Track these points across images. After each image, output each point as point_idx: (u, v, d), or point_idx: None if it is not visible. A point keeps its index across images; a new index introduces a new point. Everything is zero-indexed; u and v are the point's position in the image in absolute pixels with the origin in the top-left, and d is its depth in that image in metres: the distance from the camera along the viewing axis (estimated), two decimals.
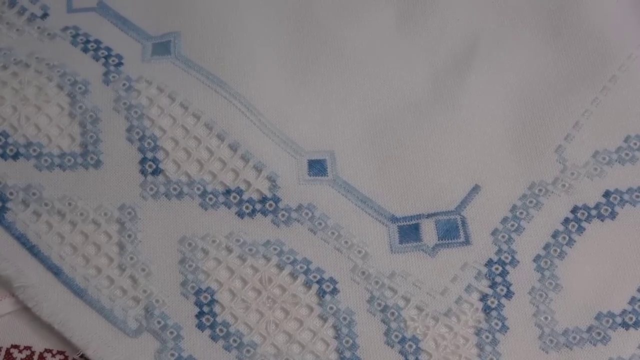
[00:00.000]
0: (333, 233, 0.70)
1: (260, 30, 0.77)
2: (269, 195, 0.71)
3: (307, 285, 0.68)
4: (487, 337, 0.67)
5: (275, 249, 0.69)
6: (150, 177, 0.71)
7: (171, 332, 0.67)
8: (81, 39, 0.76)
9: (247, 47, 0.76)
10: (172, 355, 0.66)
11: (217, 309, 0.68)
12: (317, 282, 0.68)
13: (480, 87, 0.75)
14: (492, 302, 0.68)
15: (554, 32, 0.77)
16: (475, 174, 0.72)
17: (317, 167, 0.72)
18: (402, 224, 0.71)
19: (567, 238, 0.70)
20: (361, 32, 0.78)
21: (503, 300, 0.68)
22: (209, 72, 0.74)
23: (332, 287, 0.68)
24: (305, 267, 0.68)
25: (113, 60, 0.75)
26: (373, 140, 0.74)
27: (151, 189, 0.71)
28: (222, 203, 0.71)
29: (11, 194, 0.70)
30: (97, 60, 0.75)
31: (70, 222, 0.69)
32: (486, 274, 0.69)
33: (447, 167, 0.72)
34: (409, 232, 0.70)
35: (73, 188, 0.70)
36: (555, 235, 0.70)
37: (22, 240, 0.69)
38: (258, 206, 0.71)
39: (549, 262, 0.69)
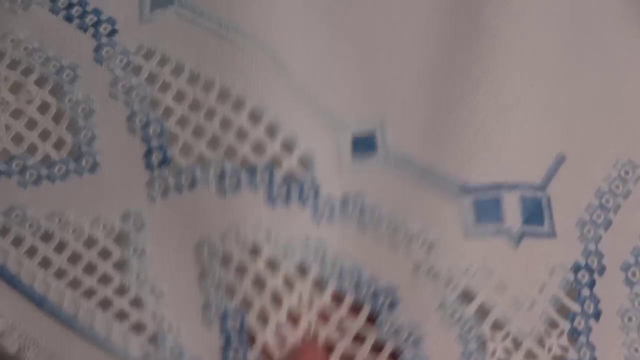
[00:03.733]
0: (388, 226, 0.60)
1: None
2: (307, 179, 0.60)
3: (360, 303, 0.59)
4: None
5: (316, 253, 0.59)
6: (158, 171, 0.61)
7: None
8: (62, 3, 0.67)
9: None
10: None
11: (249, 338, 0.58)
12: (372, 297, 0.58)
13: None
14: (579, 323, 0.57)
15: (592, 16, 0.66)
16: (558, 140, 0.61)
17: (364, 144, 0.62)
18: (478, 197, 0.59)
19: None
20: None
21: (591, 322, 0.57)
22: (221, 18, 0.64)
23: (390, 298, 0.58)
24: (356, 278, 0.59)
25: (105, 28, 0.65)
26: (434, 91, 0.62)
27: (160, 186, 0.61)
28: (247, 184, 0.59)
29: None
30: (84, 30, 0.65)
31: (60, 243, 0.61)
32: (572, 283, 0.57)
33: (529, 121, 0.61)
34: (488, 208, 0.58)
35: (64, 201, 0.62)
36: None
37: (1, 272, 0.60)
38: (294, 192, 0.60)
39: (639, 274, 0.58)
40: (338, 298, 0.58)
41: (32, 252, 0.60)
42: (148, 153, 0.62)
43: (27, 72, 0.64)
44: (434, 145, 0.61)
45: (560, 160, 0.61)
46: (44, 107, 0.64)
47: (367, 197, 0.60)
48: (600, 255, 0.59)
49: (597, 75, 0.64)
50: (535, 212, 0.59)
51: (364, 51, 0.65)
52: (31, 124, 0.63)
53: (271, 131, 0.60)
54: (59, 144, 0.63)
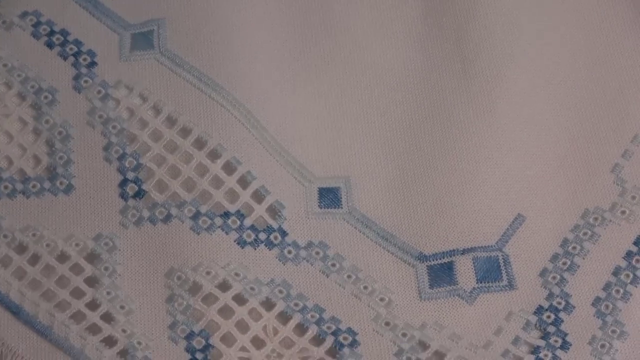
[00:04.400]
0: (349, 277, 0.62)
1: (262, 21, 0.69)
2: (274, 225, 0.63)
3: (320, 337, 0.60)
4: None
5: (281, 292, 0.61)
6: (132, 201, 0.63)
7: None
8: (44, 29, 0.67)
9: (246, 42, 0.68)
10: None
11: (212, 356, 0.60)
12: (333, 333, 0.60)
13: (521, 87, 0.67)
14: (546, 355, 0.60)
15: (600, 21, 0.70)
16: (518, 201, 0.64)
17: (329, 197, 0.64)
18: (433, 263, 0.63)
19: (632, 275, 0.62)
20: (383, 29, 0.70)
21: (559, 352, 0.60)
22: (201, 73, 0.66)
23: (350, 339, 0.60)
24: (318, 315, 0.61)
25: (84, 59, 0.67)
26: (396, 162, 0.66)
27: (133, 215, 0.63)
28: (219, 227, 0.62)
29: None
30: (64, 58, 0.67)
31: (34, 255, 0.61)
32: (536, 324, 0.61)
33: (485, 190, 0.64)
34: (441, 272, 0.62)
35: (38, 217, 0.63)
36: (616, 272, 0.62)
37: None
38: (262, 236, 0.63)
39: (611, 306, 0.61)
40: (302, 330, 0.60)
41: (6, 261, 0.61)
42: (123, 183, 0.63)
43: (5, 86, 0.65)
44: (393, 213, 0.64)
45: (519, 221, 0.63)
46: (20, 123, 0.65)
47: (330, 247, 0.63)
48: (566, 296, 0.61)
49: (558, 136, 0.67)
50: (491, 270, 0.62)
51: (334, 112, 0.67)
52: (7, 137, 0.65)
53: (244, 182, 0.63)
54: (34, 161, 0.64)
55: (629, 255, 0.62)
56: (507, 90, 0.66)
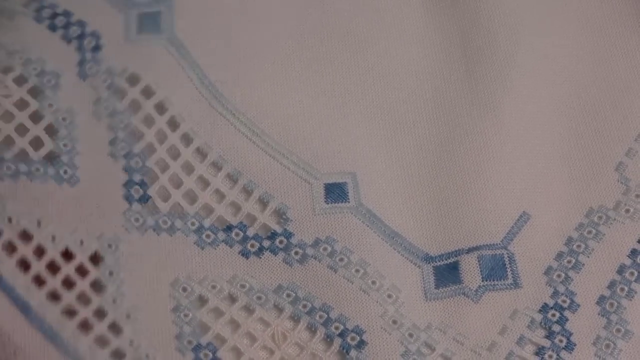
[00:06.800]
0: (358, 270, 0.61)
1: (265, 21, 0.69)
2: (278, 230, 0.63)
3: (328, 340, 0.60)
4: None
5: (288, 296, 0.61)
6: (137, 205, 0.62)
7: None
8: (47, 13, 0.66)
9: (249, 42, 0.67)
10: None
11: None
12: (340, 334, 0.60)
13: (525, 88, 0.67)
14: (550, 356, 0.60)
15: (605, 21, 0.69)
16: (523, 199, 0.64)
17: (336, 192, 0.64)
18: (438, 263, 0.63)
19: (636, 273, 0.62)
20: (385, 29, 0.70)
21: (563, 354, 0.60)
22: (203, 74, 0.65)
23: (358, 339, 0.60)
24: (326, 315, 0.60)
25: (89, 42, 0.65)
26: (400, 161, 0.66)
27: (137, 220, 0.62)
28: (223, 241, 0.62)
29: None
30: (68, 41, 0.65)
31: (38, 247, 0.60)
32: (541, 322, 0.61)
33: (490, 189, 0.64)
34: (447, 272, 0.62)
35: (43, 204, 0.61)
36: (621, 270, 0.62)
37: None
38: (266, 243, 0.62)
39: (616, 304, 0.61)
40: (310, 332, 0.61)
41: (10, 248, 0.59)
42: (128, 184, 0.62)
43: (6, 70, 0.63)
44: (399, 213, 0.64)
45: (524, 219, 0.64)
46: (22, 104, 0.63)
47: (337, 242, 0.62)
48: (571, 294, 0.61)
49: (562, 135, 0.67)
50: (497, 268, 0.62)
51: (337, 111, 0.67)
52: (7, 117, 0.62)
53: (246, 192, 0.63)
54: (36, 143, 0.62)
55: (633, 253, 0.62)
56: (511, 90, 0.66)
